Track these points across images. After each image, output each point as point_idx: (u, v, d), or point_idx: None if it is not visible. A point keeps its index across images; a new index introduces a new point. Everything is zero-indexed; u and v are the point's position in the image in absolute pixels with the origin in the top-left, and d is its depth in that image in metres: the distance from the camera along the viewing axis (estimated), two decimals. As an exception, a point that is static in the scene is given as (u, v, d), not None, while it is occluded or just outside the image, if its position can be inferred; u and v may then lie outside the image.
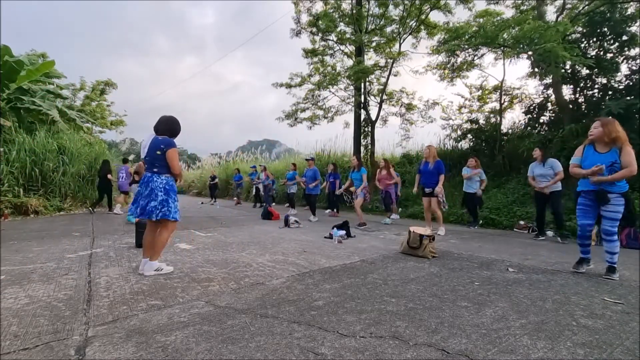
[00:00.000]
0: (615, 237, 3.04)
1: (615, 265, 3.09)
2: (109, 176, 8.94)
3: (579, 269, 3.27)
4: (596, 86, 8.32)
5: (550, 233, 5.73)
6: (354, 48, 12.37)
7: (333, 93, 12.73)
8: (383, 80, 12.54)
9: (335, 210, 9.21)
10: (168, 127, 3.07)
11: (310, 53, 12.88)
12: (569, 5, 8.66)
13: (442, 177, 5.58)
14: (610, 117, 3.16)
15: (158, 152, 2.95)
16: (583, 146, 3.27)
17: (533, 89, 12.02)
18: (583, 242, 3.30)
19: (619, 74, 7.85)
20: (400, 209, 8.91)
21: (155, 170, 2.97)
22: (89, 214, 8.42)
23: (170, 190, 3.01)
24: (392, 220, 7.50)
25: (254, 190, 12.22)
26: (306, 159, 9.20)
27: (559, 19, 8.25)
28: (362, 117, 12.50)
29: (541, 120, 9.62)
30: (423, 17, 11.53)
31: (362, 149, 12.52)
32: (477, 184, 6.73)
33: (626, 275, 3.19)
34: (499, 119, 10.53)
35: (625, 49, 7.78)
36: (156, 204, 2.91)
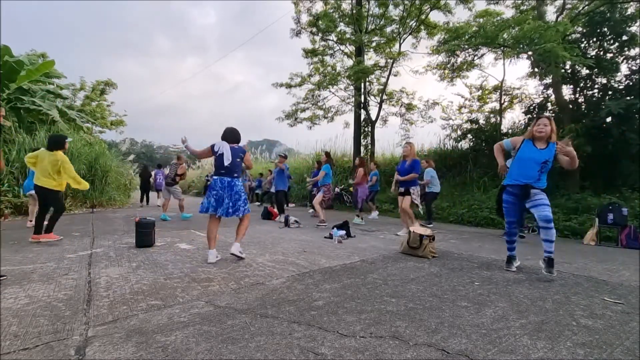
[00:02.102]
0: (552, 223, 2.96)
1: (553, 257, 2.94)
2: (152, 179, 11.17)
3: (511, 268, 3.29)
4: (596, 86, 8.32)
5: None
6: (354, 48, 12.38)
7: (333, 93, 12.75)
8: (383, 80, 12.57)
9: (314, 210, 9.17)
10: (235, 137, 3.69)
11: (310, 53, 12.89)
12: (569, 5, 8.67)
13: (412, 176, 5.29)
14: None
15: (238, 160, 3.57)
16: (522, 139, 3.19)
17: (533, 89, 12.09)
18: (511, 239, 3.35)
19: (619, 74, 7.86)
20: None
21: (235, 175, 3.55)
22: (89, 214, 8.42)
23: (244, 191, 3.70)
24: (361, 221, 7.12)
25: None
26: (280, 155, 8.47)
27: (559, 19, 8.26)
28: (362, 117, 12.51)
29: (541, 120, 9.62)
30: (423, 17, 11.54)
31: (362, 149, 12.53)
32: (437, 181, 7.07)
33: (626, 275, 3.20)
34: (499, 119, 10.54)
35: (625, 49, 7.79)
36: (241, 202, 3.54)
